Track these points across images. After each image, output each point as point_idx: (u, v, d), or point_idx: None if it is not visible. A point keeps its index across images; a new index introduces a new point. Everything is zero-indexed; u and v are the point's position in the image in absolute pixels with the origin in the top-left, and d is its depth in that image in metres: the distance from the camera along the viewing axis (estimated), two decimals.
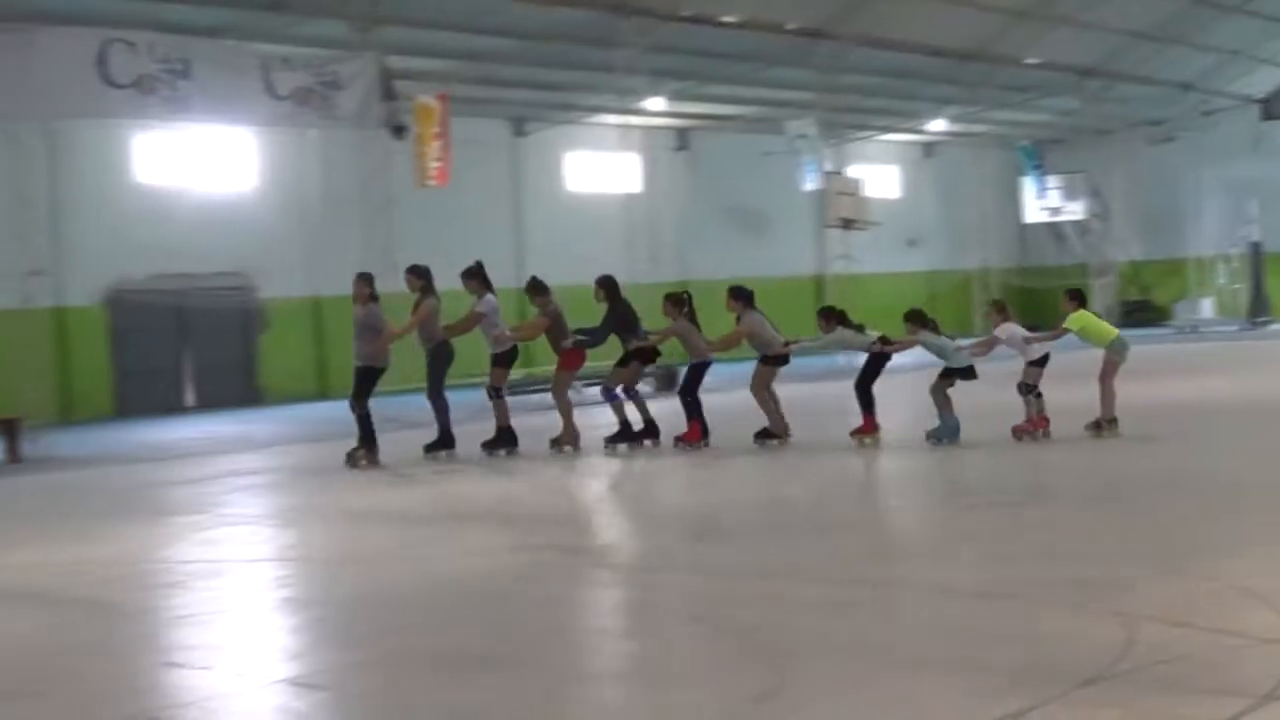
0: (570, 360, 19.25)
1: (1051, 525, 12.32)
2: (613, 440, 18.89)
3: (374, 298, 18.54)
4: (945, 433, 17.55)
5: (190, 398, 31.36)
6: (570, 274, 37.10)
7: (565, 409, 18.96)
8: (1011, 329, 17.56)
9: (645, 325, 19.54)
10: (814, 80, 35.85)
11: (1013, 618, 8.67)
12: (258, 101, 25.33)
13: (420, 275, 18.88)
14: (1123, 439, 17.37)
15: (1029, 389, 17.49)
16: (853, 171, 39.68)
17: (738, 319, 18.71)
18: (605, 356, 20.66)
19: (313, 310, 32.97)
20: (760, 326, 18.53)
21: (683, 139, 42.70)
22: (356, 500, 16.21)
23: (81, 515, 16.06)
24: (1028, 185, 48.33)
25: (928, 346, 17.98)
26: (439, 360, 18.73)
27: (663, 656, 8.27)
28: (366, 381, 18.37)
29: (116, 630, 9.88)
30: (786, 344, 18.58)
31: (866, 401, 18.06)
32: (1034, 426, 17.48)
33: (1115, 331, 18.09)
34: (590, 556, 12.15)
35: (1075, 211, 47.26)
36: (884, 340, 18.08)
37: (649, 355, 19.33)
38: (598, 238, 37.86)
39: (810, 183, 37.91)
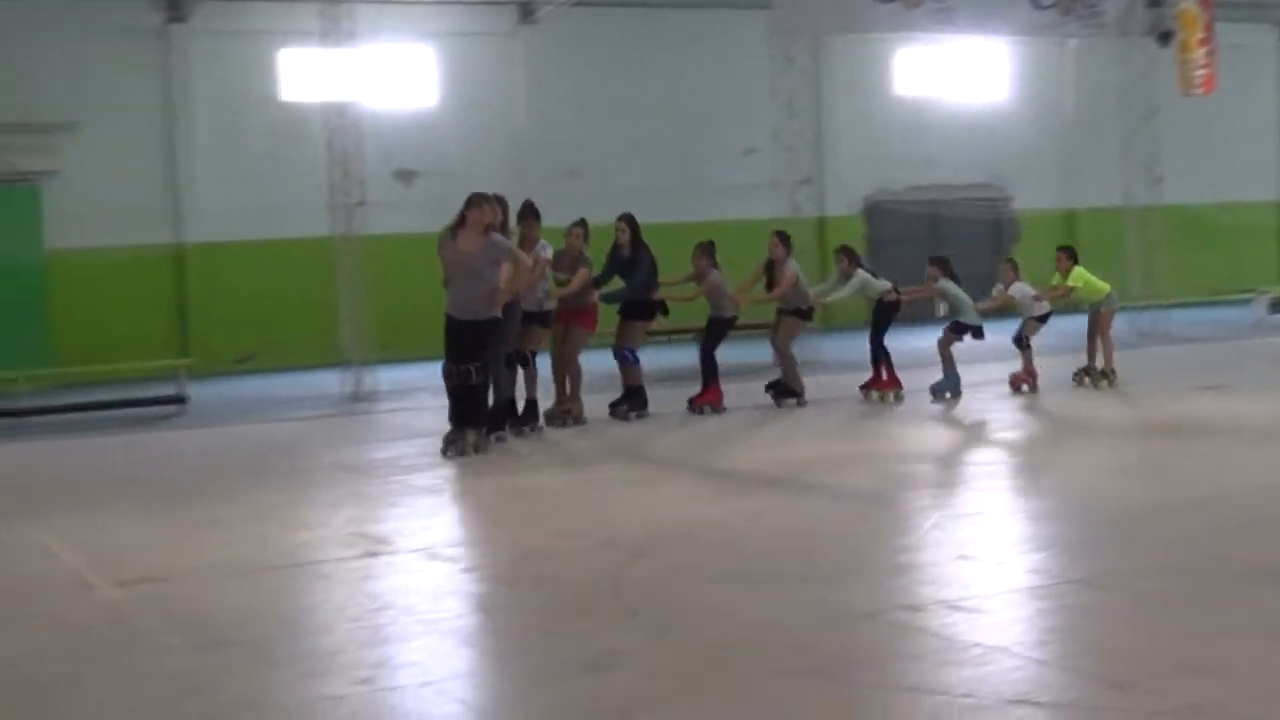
0: (590, 321, 16.47)
1: None
2: (628, 407, 16.60)
3: (493, 226, 14.63)
4: (948, 386, 17.25)
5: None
6: None
7: (578, 376, 16.36)
8: (1023, 287, 17.83)
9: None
10: None
11: None
12: (1021, 12, 25.42)
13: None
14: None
15: (1026, 342, 17.74)
16: None
17: (771, 264, 17.16)
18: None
19: (1065, 222, 32.83)
20: (799, 276, 17.20)
21: None
22: (1079, 413, 16.35)
23: (837, 416, 16.80)
24: None
25: (946, 296, 17.59)
26: (515, 320, 15.25)
27: None
28: (493, 336, 14.53)
29: (889, 522, 10.45)
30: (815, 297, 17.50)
31: (882, 354, 17.42)
32: (1030, 377, 17.72)
33: (1108, 286, 18.20)
34: None
35: None
36: (896, 290, 17.60)
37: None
38: None
39: None
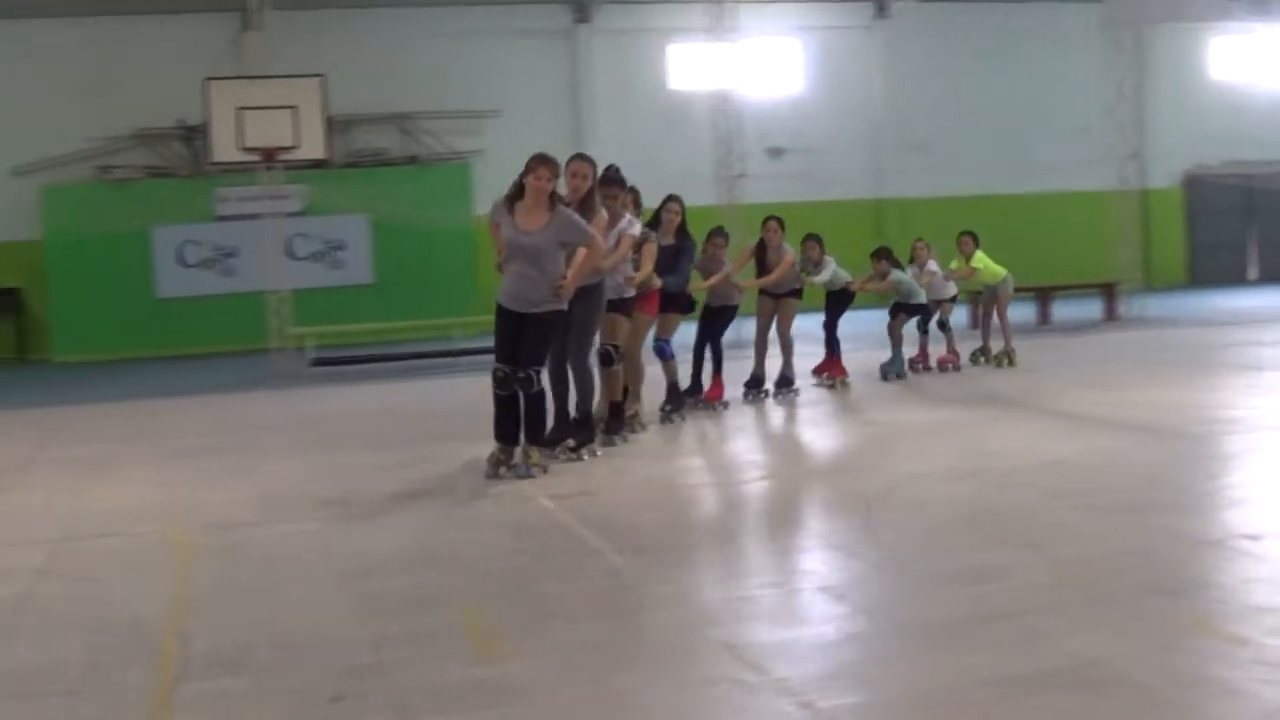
0: (653, 307, 12.42)
1: None
2: (672, 408, 13.04)
3: (567, 202, 10.51)
4: (897, 366, 15.96)
5: (1253, 271, 30.82)
6: None
7: (640, 372, 12.41)
8: (934, 266, 16.47)
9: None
10: None
11: None
12: None
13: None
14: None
15: (945, 325, 16.60)
16: None
17: (761, 248, 14.37)
18: None
19: None
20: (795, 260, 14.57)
21: None
22: None
23: (1167, 365, 16.31)
24: None
25: (900, 285, 15.86)
26: (599, 307, 11.23)
27: None
28: (556, 331, 10.40)
29: (1218, 460, 10.16)
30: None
31: (834, 341, 15.34)
32: (955, 358, 16.56)
33: (1005, 270, 16.97)
34: None
35: None
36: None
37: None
38: None
39: None
